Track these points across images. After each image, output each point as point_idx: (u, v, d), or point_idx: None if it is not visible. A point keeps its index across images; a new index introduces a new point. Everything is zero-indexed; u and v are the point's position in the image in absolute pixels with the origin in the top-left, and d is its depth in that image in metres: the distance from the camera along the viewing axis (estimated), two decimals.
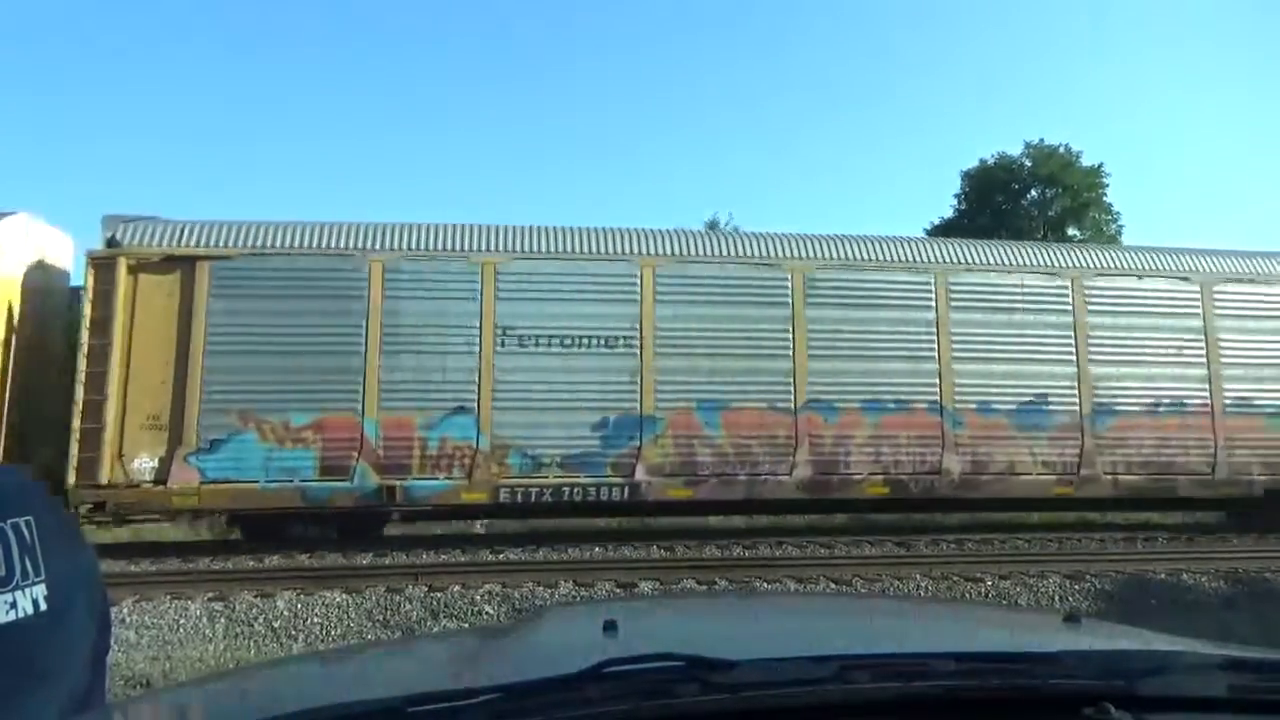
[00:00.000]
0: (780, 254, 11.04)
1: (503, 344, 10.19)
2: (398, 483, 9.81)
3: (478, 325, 10.19)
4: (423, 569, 8.68)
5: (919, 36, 55.94)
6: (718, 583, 8.32)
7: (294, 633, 7.26)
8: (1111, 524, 12.09)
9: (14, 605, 0.91)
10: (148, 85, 54.45)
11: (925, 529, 11.26)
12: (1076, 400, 11.14)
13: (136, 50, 53.85)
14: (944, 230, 28.46)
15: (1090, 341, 11.28)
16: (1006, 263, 11.51)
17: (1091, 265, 11.68)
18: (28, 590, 0.92)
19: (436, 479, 9.93)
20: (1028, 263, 11.53)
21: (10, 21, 43.49)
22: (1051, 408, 11.09)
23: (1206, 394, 11.39)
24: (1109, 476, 11.03)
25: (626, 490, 10.09)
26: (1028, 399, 11.07)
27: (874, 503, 11.15)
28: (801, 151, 55.05)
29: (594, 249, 10.71)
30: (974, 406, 10.96)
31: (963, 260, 11.48)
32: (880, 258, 11.24)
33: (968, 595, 8.19)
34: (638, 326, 10.45)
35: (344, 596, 7.78)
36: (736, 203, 60.93)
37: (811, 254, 11.13)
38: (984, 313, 11.20)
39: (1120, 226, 29.23)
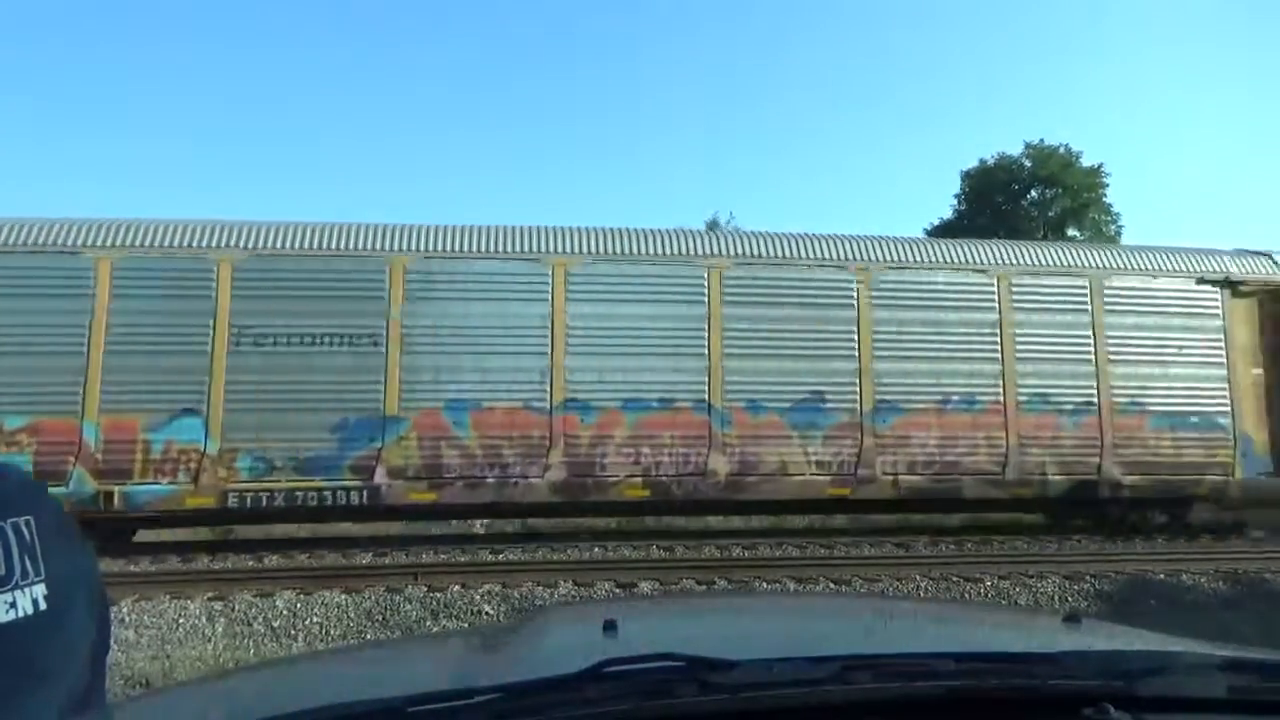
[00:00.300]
0: (541, 248, 10.53)
1: (237, 343, 9.79)
2: (116, 488, 9.37)
3: (210, 324, 9.76)
4: (422, 569, 8.68)
5: (919, 36, 55.97)
6: (717, 583, 8.32)
7: (293, 632, 7.25)
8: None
9: (14, 605, 0.90)
10: (145, 82, 54.47)
11: (925, 530, 11.26)
12: (857, 397, 10.67)
13: (127, 46, 53.87)
14: (944, 231, 28.48)
15: (875, 336, 10.80)
16: (793, 256, 10.97)
17: (881, 258, 11.13)
18: (28, 590, 0.92)
19: (159, 484, 9.50)
20: (814, 256, 10.99)
21: None
22: (829, 405, 10.62)
23: (999, 390, 10.92)
24: (888, 477, 10.56)
25: (365, 494, 9.67)
26: (803, 396, 10.59)
27: (634, 505, 10.66)
28: (802, 152, 55.10)
29: (341, 245, 10.23)
30: (744, 405, 10.48)
31: (741, 253, 10.93)
32: (652, 250, 10.77)
33: (967, 596, 8.18)
34: (384, 324, 10.03)
35: (343, 596, 7.78)
36: (737, 203, 60.96)
37: (576, 248, 10.60)
38: (761, 307, 10.68)
39: (1120, 227, 29.26)
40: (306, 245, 10.18)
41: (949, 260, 11.26)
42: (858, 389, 10.69)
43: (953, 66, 56.40)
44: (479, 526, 11.99)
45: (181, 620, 7.30)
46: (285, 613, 7.49)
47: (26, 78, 51.50)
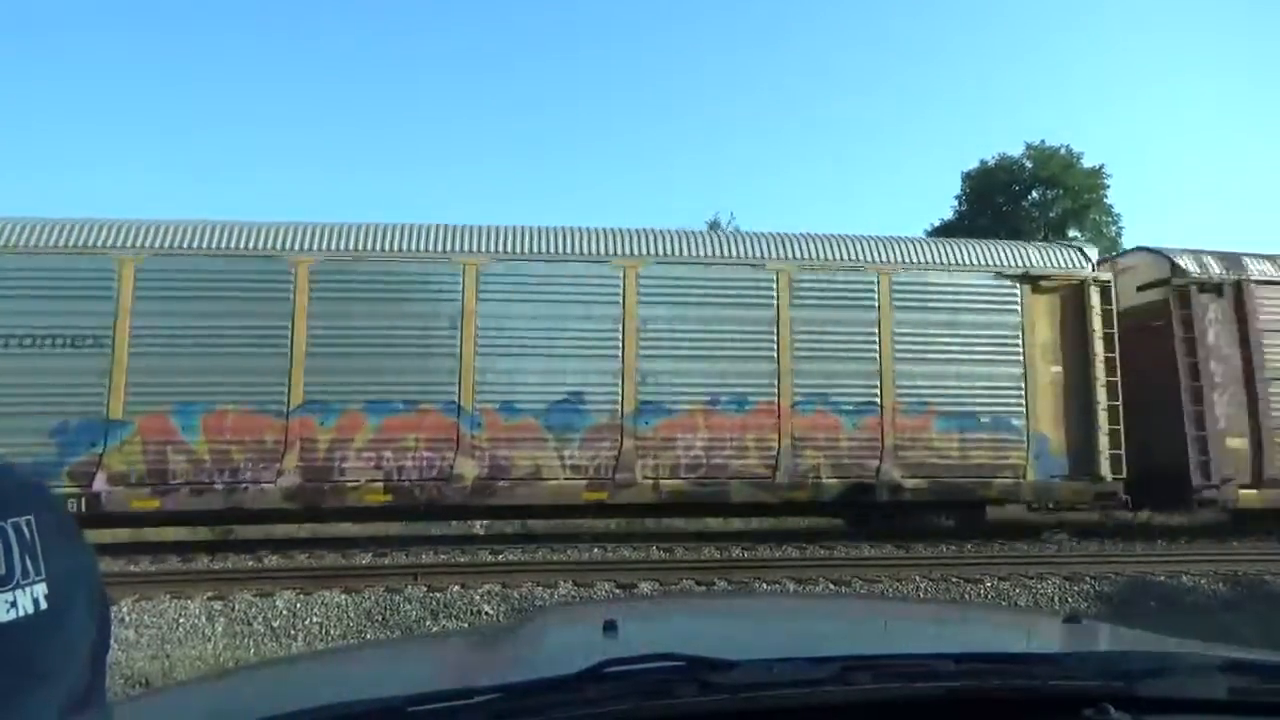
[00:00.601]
0: (282, 246, 10.06)
1: None
2: None
3: None
4: (422, 569, 8.68)
5: (919, 26, 56.02)
6: (717, 584, 8.33)
7: (293, 632, 7.25)
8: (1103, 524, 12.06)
9: (14, 604, 0.90)
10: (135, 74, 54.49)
11: (925, 532, 11.25)
12: (618, 398, 10.21)
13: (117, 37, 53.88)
14: (944, 232, 28.48)
15: (642, 334, 10.30)
16: (557, 251, 10.48)
17: (651, 252, 10.59)
18: (27, 589, 0.92)
19: None
20: (579, 250, 10.51)
21: None
22: (588, 406, 10.17)
23: (774, 390, 10.44)
24: (649, 481, 10.08)
25: (84, 502, 9.14)
26: (561, 397, 10.14)
27: (376, 511, 10.20)
28: (800, 150, 55.13)
29: (68, 242, 9.70)
30: (496, 406, 10.04)
31: (500, 249, 10.38)
32: (409, 247, 10.27)
33: (967, 597, 8.19)
34: (111, 325, 9.56)
35: (343, 596, 7.78)
36: (738, 202, 61.00)
37: (318, 245, 10.12)
38: (519, 304, 10.22)
39: (1121, 228, 29.28)
40: (33, 242, 9.70)
41: (726, 255, 10.79)
42: (620, 389, 10.24)
43: (951, 55, 56.45)
44: (479, 527, 11.98)
45: (181, 620, 7.30)
46: (285, 613, 7.49)
47: None
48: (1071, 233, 28.29)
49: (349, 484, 9.70)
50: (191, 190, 52.48)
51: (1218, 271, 11.53)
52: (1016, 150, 29.91)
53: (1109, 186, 29.26)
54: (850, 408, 10.58)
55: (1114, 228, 29.19)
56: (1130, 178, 52.66)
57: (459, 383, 10.03)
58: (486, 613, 7.58)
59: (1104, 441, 10.81)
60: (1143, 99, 51.71)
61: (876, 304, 10.78)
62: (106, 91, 55.95)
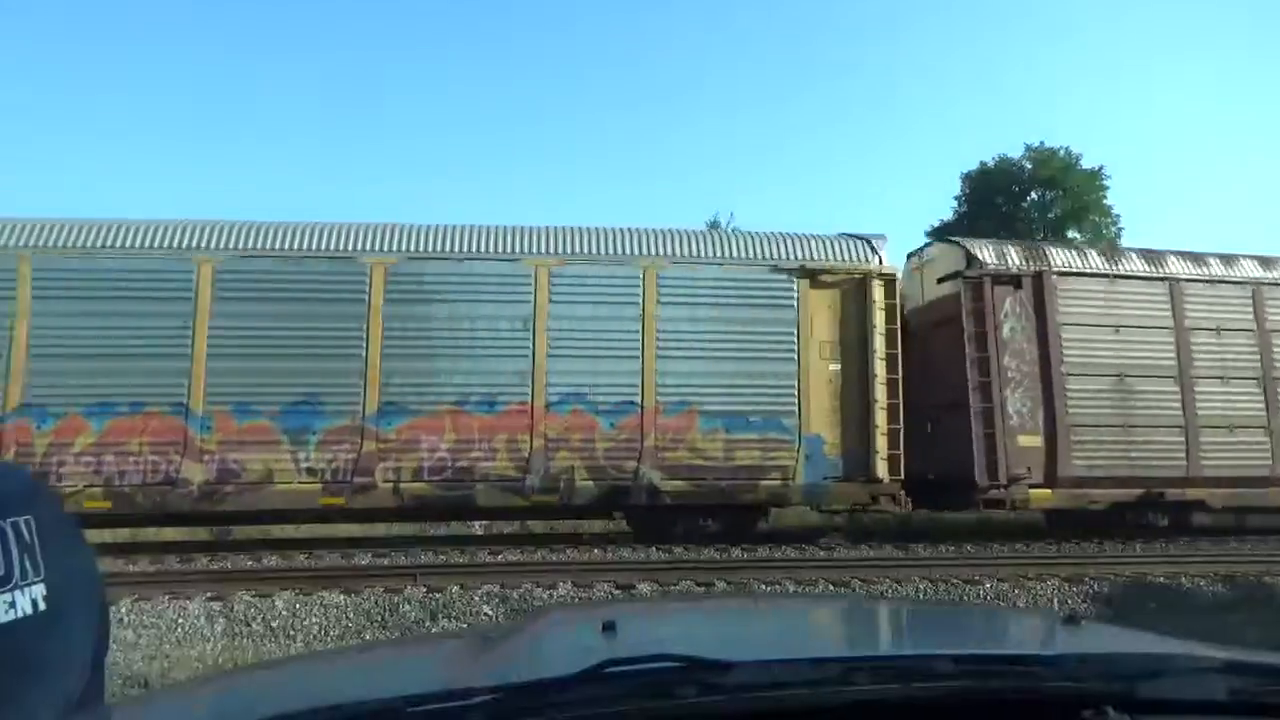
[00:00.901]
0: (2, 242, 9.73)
1: None
2: None
3: None
4: (421, 569, 8.68)
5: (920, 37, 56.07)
6: (716, 584, 8.32)
7: (292, 633, 7.25)
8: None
9: (13, 605, 0.91)
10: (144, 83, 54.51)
11: (925, 533, 11.25)
12: (359, 398, 9.86)
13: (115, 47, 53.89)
14: (944, 232, 28.48)
15: (387, 333, 9.96)
16: (296, 248, 10.06)
17: (399, 249, 10.21)
18: (27, 590, 0.92)
19: None
20: (318, 248, 10.07)
21: None
22: (328, 408, 9.81)
23: (528, 390, 10.05)
24: (389, 484, 9.76)
25: None
26: (298, 399, 9.78)
27: (98, 519, 9.63)
28: (804, 152, 55.17)
29: None
30: (230, 408, 9.70)
31: (240, 247, 10.05)
32: (140, 244, 9.87)
33: (966, 597, 8.18)
34: None
35: (342, 597, 7.78)
36: (738, 203, 61.02)
37: (41, 242, 9.75)
38: (255, 303, 9.89)
39: (1120, 229, 29.30)
40: None
41: (480, 251, 10.35)
42: (362, 390, 9.89)
43: (954, 55, 56.49)
44: (478, 528, 11.98)
45: (180, 620, 7.29)
46: (284, 613, 7.48)
47: None
48: (1071, 233, 28.31)
49: (66, 489, 9.21)
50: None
51: (1017, 263, 11.15)
52: (1016, 151, 29.95)
53: (1108, 187, 29.29)
54: (609, 407, 10.21)
55: (1114, 228, 29.21)
56: (1133, 178, 52.72)
57: (189, 384, 9.69)
58: (486, 613, 7.57)
59: (881, 442, 10.44)
60: (1143, 98, 51.75)
61: (641, 299, 10.41)
62: None
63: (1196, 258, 11.79)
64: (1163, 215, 47.52)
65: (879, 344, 10.58)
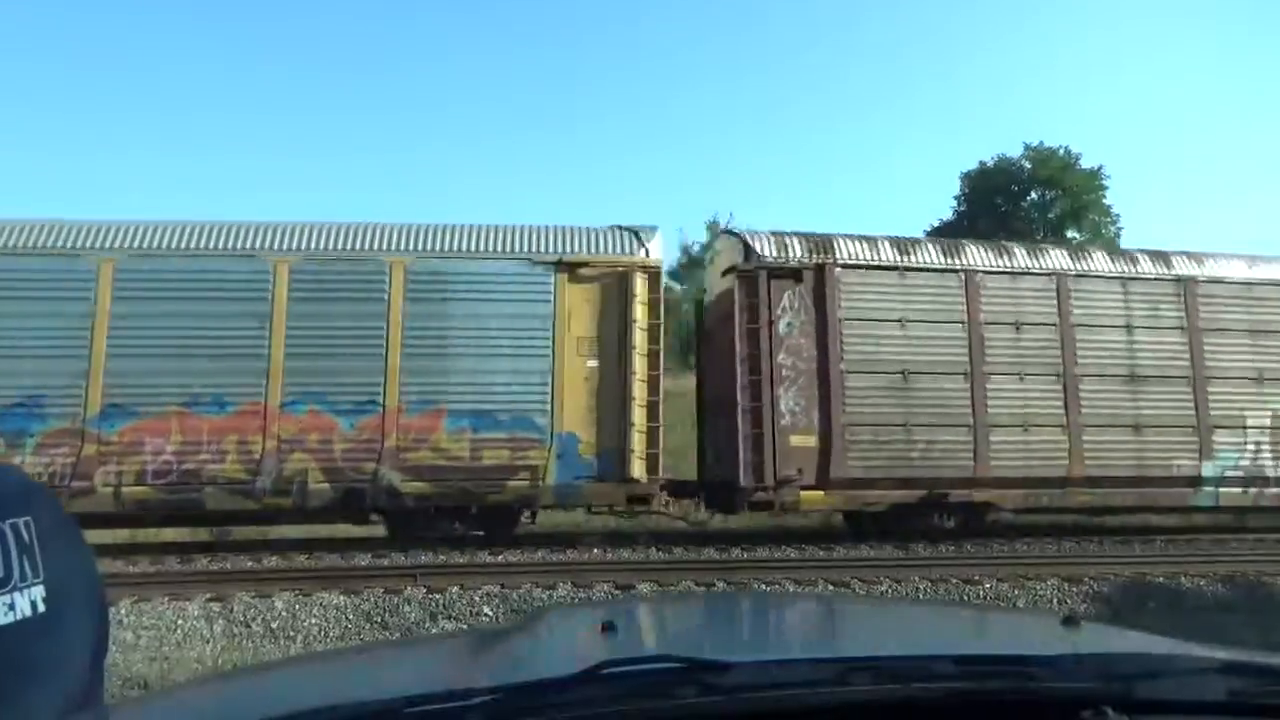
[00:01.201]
0: None
1: None
2: None
3: None
4: (421, 570, 8.67)
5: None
6: (716, 585, 8.32)
7: (292, 634, 7.25)
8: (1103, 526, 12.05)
9: (12, 606, 0.90)
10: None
11: (925, 533, 11.25)
12: (81, 399, 9.46)
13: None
14: (944, 232, 28.51)
15: (112, 332, 9.60)
16: (21, 247, 9.71)
17: (128, 245, 9.86)
18: (26, 591, 0.92)
19: None
20: (42, 246, 9.75)
21: None
22: (48, 410, 9.43)
23: (261, 389, 9.73)
24: (109, 489, 9.38)
25: None
26: (14, 401, 9.37)
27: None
28: (807, 153, 55.17)
29: None
30: None
31: None
32: None
33: (965, 598, 8.18)
34: None
35: (342, 597, 7.77)
36: (738, 203, 61.04)
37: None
38: None
39: (1119, 229, 29.34)
40: None
41: (214, 247, 10.01)
42: (84, 391, 9.49)
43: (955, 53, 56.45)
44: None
45: (180, 621, 7.29)
46: (284, 614, 7.48)
47: None
48: (1070, 233, 28.35)
49: None
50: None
51: (799, 255, 10.68)
52: (1015, 151, 29.98)
53: (1108, 187, 29.32)
54: (349, 407, 9.89)
55: (1113, 228, 29.25)
56: (1135, 179, 52.71)
57: None
58: (486, 614, 7.57)
59: (638, 440, 10.12)
60: (1146, 100, 51.74)
61: (386, 295, 10.09)
62: None
63: (1000, 248, 11.36)
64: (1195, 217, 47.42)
65: (639, 339, 10.24)
